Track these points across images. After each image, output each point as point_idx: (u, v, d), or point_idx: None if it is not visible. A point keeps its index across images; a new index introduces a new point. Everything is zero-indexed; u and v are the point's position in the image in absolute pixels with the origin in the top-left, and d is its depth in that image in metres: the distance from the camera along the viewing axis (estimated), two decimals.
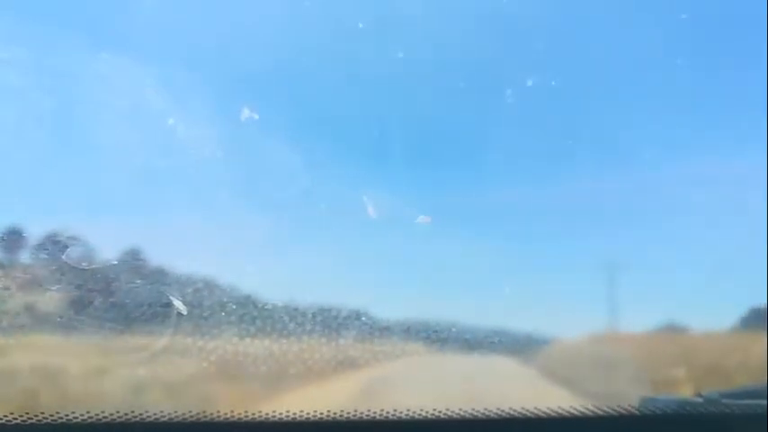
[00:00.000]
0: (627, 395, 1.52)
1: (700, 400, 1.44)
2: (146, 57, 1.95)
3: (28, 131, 1.88)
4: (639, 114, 2.25)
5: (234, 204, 2.02)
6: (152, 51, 1.97)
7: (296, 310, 1.83)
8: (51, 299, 1.73)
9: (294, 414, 1.34)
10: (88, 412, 1.31)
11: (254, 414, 1.36)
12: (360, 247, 2.18)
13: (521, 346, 2.14)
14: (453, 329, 1.91)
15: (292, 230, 2.13)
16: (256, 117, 1.82)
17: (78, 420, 1.31)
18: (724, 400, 1.43)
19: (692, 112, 2.27)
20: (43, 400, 1.85)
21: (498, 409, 1.37)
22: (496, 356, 2.02)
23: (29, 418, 1.31)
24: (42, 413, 1.32)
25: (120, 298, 1.75)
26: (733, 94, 2.33)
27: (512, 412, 1.36)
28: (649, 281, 2.36)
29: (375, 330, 1.89)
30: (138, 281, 1.75)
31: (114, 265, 1.76)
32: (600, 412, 1.37)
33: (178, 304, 1.69)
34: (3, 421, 1.30)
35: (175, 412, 1.34)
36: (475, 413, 1.36)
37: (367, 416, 1.36)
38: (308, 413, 1.35)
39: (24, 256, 1.77)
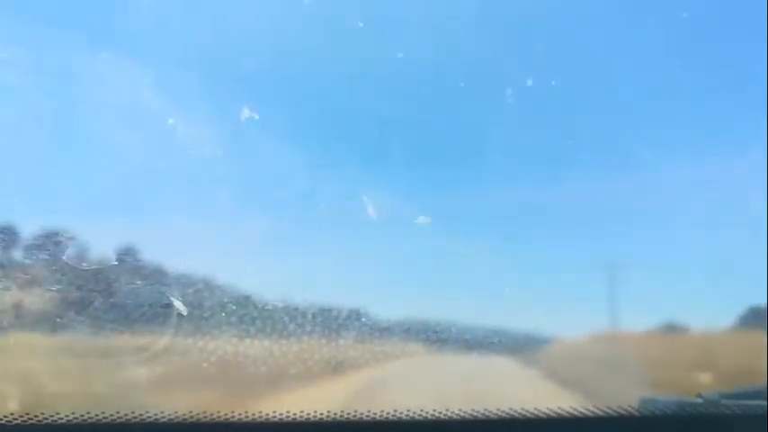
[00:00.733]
0: (627, 395, 1.52)
1: (700, 400, 1.44)
2: (145, 57, 1.95)
3: (27, 131, 1.88)
4: (639, 114, 2.25)
5: (234, 204, 2.03)
6: (152, 51, 1.97)
7: (296, 310, 1.83)
8: (51, 299, 1.73)
9: (294, 414, 1.34)
10: (88, 412, 1.31)
11: (254, 414, 1.36)
12: (359, 247, 2.18)
13: (520, 347, 2.14)
14: (453, 329, 1.91)
15: (292, 230, 2.13)
16: (256, 117, 1.82)
17: (78, 421, 1.31)
18: (724, 401, 1.43)
19: (692, 112, 2.27)
20: (43, 401, 1.85)
21: (498, 409, 1.36)
22: (496, 356, 2.02)
23: (29, 419, 1.31)
24: (42, 413, 1.32)
25: (120, 298, 1.75)
26: (733, 94, 2.34)
27: (511, 412, 1.36)
28: (649, 281, 2.36)
29: (375, 331, 1.89)
30: (139, 281, 1.75)
31: (114, 265, 1.76)
32: (600, 412, 1.37)
33: (178, 305, 1.69)
34: (3, 421, 1.29)
35: (175, 412, 1.34)
36: (475, 413, 1.36)
37: (367, 416, 1.36)
38: (307, 413, 1.34)
39: (24, 257, 1.77)
